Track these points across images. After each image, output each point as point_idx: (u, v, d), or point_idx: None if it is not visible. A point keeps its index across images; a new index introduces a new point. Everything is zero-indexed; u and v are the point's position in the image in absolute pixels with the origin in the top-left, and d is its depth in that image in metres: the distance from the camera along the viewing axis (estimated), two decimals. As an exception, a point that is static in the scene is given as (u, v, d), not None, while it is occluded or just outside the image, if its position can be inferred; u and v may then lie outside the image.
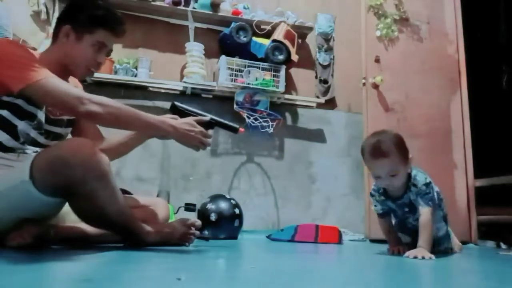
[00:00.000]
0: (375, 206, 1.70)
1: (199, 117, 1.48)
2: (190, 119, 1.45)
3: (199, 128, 1.43)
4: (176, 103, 1.55)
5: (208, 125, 1.48)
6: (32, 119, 1.35)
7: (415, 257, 1.39)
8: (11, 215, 1.20)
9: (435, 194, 1.60)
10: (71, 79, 1.55)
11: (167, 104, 2.95)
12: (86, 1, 1.46)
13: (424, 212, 1.53)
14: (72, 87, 1.33)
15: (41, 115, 1.38)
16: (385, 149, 1.50)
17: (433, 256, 1.39)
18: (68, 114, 1.41)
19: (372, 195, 1.70)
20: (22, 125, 1.34)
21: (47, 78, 1.25)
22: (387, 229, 1.71)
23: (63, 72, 1.40)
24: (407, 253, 1.45)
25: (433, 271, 1.15)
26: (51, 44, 1.46)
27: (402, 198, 1.61)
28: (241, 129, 1.56)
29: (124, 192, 1.57)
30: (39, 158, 1.16)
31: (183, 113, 1.50)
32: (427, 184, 1.55)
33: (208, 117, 1.50)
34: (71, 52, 1.41)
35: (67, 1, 1.61)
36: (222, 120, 1.54)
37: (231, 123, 1.56)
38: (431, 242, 1.50)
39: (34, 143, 1.38)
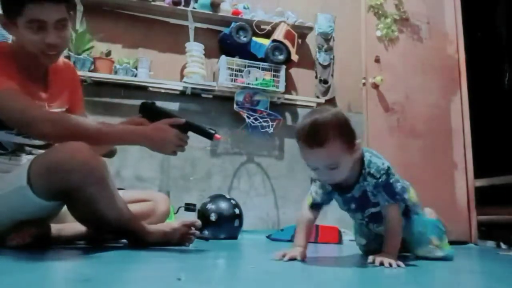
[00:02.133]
0: (315, 193, 1.32)
1: (174, 119, 1.34)
2: (162, 123, 1.32)
3: (173, 132, 1.30)
4: (147, 102, 1.41)
5: (182, 128, 1.33)
6: (9, 127, 1.28)
7: (382, 264, 1.11)
8: (9, 217, 1.20)
9: (398, 183, 1.25)
10: (68, 67, 1.50)
11: (166, 104, 2.96)
12: None
13: (390, 210, 1.22)
14: (29, 104, 1.22)
15: None
16: (322, 135, 1.11)
17: (402, 264, 1.11)
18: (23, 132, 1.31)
19: (315, 180, 1.33)
20: (2, 136, 1.29)
21: (4, 90, 1.18)
22: (309, 225, 1.33)
23: (32, 60, 1.30)
24: (371, 258, 1.15)
25: (433, 271, 1.15)
26: None
27: (351, 191, 1.26)
28: (217, 136, 1.38)
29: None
30: (36, 163, 1.15)
31: (154, 113, 1.37)
32: (387, 171, 1.21)
33: (182, 119, 1.35)
34: (18, 41, 1.29)
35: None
36: (197, 124, 1.38)
37: (206, 128, 1.38)
38: (398, 246, 1.20)
39: (29, 146, 1.34)
